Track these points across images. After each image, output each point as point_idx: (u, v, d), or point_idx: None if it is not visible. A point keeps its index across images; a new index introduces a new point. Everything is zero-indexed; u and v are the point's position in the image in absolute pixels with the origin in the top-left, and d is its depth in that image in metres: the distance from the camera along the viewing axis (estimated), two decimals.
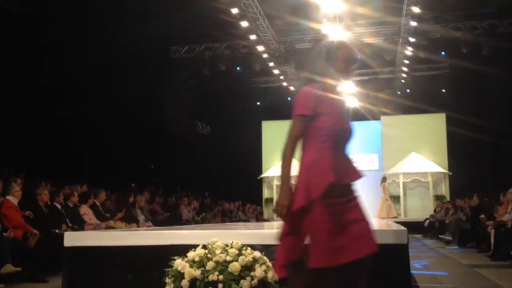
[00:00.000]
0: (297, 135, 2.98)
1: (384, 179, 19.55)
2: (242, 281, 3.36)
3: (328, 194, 2.79)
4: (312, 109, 2.94)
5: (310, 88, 3.02)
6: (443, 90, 20.11)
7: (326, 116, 2.95)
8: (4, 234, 6.76)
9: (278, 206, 2.92)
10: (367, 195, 21.05)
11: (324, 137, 2.94)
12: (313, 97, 2.97)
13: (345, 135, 3.04)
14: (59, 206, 8.72)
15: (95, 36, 13.66)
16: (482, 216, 11.32)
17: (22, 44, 12.66)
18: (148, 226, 10.58)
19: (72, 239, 4.29)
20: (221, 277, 3.36)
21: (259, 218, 19.87)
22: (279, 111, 22.21)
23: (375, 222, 9.50)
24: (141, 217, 11.25)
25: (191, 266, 3.46)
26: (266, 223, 12.39)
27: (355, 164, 3.05)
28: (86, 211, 9.36)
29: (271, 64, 18.76)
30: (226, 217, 16.89)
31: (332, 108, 3.00)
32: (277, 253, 2.97)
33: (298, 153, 3.03)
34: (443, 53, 18.28)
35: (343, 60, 3.06)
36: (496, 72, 15.48)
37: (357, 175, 3.00)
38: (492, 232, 9.69)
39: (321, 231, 2.77)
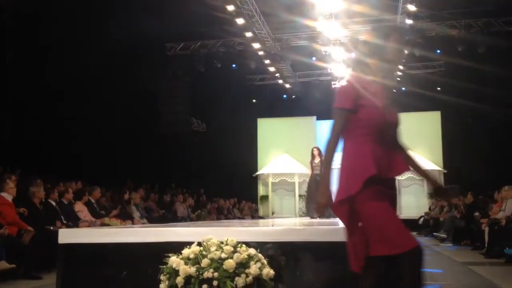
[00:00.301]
0: (339, 130, 2.90)
1: None
2: (237, 278, 3.36)
3: (373, 183, 2.74)
4: (353, 102, 2.85)
5: (352, 79, 2.94)
6: (438, 88, 20.14)
7: (367, 108, 2.85)
8: None
9: (317, 204, 2.90)
10: None
11: (366, 129, 2.85)
12: (353, 89, 2.87)
13: (388, 127, 2.91)
14: (53, 203, 8.71)
15: (89, 34, 13.62)
16: (477, 213, 11.37)
17: (19, 41, 12.63)
18: (143, 223, 10.58)
19: (67, 236, 4.28)
20: (216, 274, 3.36)
21: (254, 215, 19.88)
22: (275, 109, 22.25)
23: None
24: (136, 214, 11.24)
25: (186, 263, 3.45)
26: (261, 221, 12.40)
27: (400, 157, 2.95)
28: (81, 208, 9.35)
29: (267, 61, 18.74)
30: (222, 215, 16.90)
31: (374, 99, 2.87)
32: (350, 250, 2.91)
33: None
34: (438, 51, 18.30)
35: (393, 47, 2.95)
36: (491, 70, 15.52)
37: (402, 168, 2.92)
38: (486, 229, 9.74)
39: (386, 216, 2.76)
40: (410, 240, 2.73)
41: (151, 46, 17.54)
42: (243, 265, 3.43)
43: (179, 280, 3.40)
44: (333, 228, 4.16)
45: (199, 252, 3.50)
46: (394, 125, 2.94)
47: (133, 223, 10.27)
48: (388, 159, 2.85)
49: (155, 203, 13.61)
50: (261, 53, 17.97)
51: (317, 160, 10.05)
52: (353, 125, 2.87)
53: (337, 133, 2.91)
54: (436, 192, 3.15)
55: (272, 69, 19.69)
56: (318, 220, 8.86)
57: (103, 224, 9.10)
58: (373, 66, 2.95)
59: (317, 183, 9.94)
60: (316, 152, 10.14)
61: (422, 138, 20.54)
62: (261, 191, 22.40)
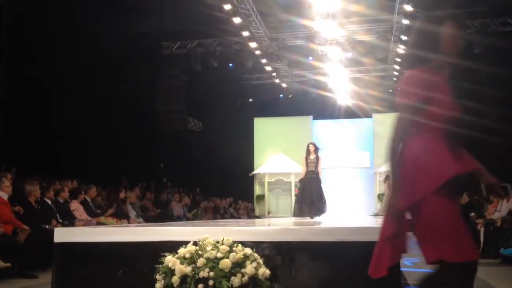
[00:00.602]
0: (405, 127, 2.67)
1: (387, 177, 19.59)
2: (232, 278, 3.36)
3: (447, 184, 2.54)
4: (422, 95, 2.63)
5: (418, 72, 2.71)
6: None
7: (437, 103, 2.65)
8: None
9: (390, 205, 2.65)
10: (358, 192, 20.99)
11: (437, 125, 2.64)
12: (421, 81, 2.66)
13: (458, 123, 2.72)
14: (49, 202, 8.69)
15: (87, 31, 13.60)
16: (472, 214, 11.38)
17: (15, 39, 12.60)
18: (139, 223, 10.57)
19: (62, 235, 4.27)
20: (211, 273, 3.35)
21: (250, 215, 19.89)
22: (271, 108, 22.27)
23: (368, 219, 9.54)
24: (132, 213, 11.23)
25: (181, 263, 3.45)
26: (257, 220, 12.40)
27: (466, 154, 2.75)
28: (76, 207, 9.33)
29: (264, 60, 18.75)
30: (218, 214, 16.90)
31: (444, 93, 2.68)
32: (381, 252, 2.70)
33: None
34: None
35: (449, 35, 2.74)
36: (488, 71, 15.55)
37: (473, 165, 2.72)
38: (482, 230, 9.76)
39: (452, 223, 2.55)
40: (473, 251, 2.56)
41: (148, 45, 17.53)
42: (239, 265, 3.42)
43: (175, 279, 3.39)
44: (329, 228, 4.16)
45: (195, 251, 3.50)
46: (461, 119, 2.75)
47: (129, 222, 10.26)
48: (458, 156, 2.67)
49: (151, 202, 13.59)
50: (257, 52, 17.98)
51: (312, 156, 9.78)
52: (422, 121, 2.65)
53: (402, 130, 2.68)
54: (489, 189, 2.95)
55: (268, 68, 19.71)
56: (314, 220, 8.86)
57: (99, 223, 9.08)
58: (430, 59, 2.74)
59: (311, 180, 9.80)
60: (312, 148, 9.84)
61: None
62: (257, 190, 22.40)
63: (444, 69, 2.78)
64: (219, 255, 3.44)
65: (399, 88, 2.75)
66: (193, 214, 14.56)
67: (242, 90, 22.14)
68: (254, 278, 3.42)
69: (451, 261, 2.53)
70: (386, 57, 18.86)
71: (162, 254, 3.58)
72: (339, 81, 19.61)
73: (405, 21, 15.68)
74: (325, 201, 9.72)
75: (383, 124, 21.04)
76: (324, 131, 21.86)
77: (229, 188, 19.90)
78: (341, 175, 21.25)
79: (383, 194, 20.21)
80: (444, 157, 2.60)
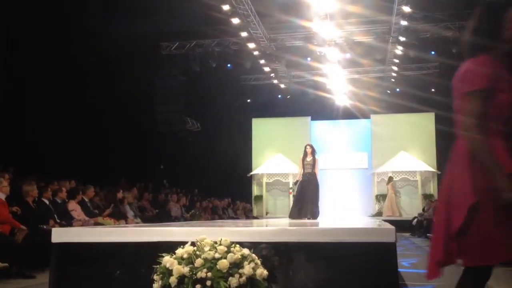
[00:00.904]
0: (478, 115, 2.41)
1: (390, 179, 19.67)
2: (230, 278, 3.36)
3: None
4: (490, 82, 2.44)
5: (482, 60, 2.53)
6: (433, 90, 20.22)
7: (504, 93, 2.44)
8: None
9: (505, 191, 2.33)
10: (356, 193, 20.93)
11: (501, 118, 2.43)
12: (489, 68, 2.47)
13: None
14: (47, 202, 8.68)
15: (86, 31, 13.59)
16: None
17: (14, 39, 12.60)
18: (137, 223, 10.56)
19: (60, 235, 4.26)
20: (209, 274, 3.35)
21: (248, 215, 19.88)
22: (270, 109, 22.28)
23: (366, 220, 9.55)
24: (130, 214, 11.22)
25: (179, 263, 3.45)
26: (255, 221, 12.41)
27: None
28: (74, 207, 9.32)
29: (262, 61, 18.76)
30: (216, 214, 16.89)
31: (507, 83, 2.47)
32: (436, 250, 2.63)
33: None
34: (433, 52, 18.37)
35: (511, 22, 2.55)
36: None
37: None
38: None
39: (485, 223, 2.40)
40: (492, 255, 2.45)
41: (147, 45, 17.53)
42: (236, 265, 3.42)
43: (173, 280, 3.39)
44: (326, 229, 4.16)
45: (192, 252, 3.50)
46: None
47: (126, 223, 10.25)
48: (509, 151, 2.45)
49: (148, 202, 13.58)
50: (256, 53, 17.99)
51: (309, 158, 9.68)
52: (486, 110, 2.45)
53: (477, 118, 2.42)
54: None
55: (267, 69, 19.72)
56: (311, 221, 8.87)
57: (97, 224, 9.07)
58: (492, 47, 2.57)
59: (309, 183, 9.74)
60: (309, 150, 9.74)
61: (416, 139, 20.65)
62: (255, 191, 22.41)
63: (505, 58, 2.60)
64: (217, 255, 3.43)
65: (465, 74, 2.57)
66: (191, 215, 14.55)
67: (240, 90, 22.15)
68: (251, 279, 3.42)
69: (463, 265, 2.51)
70: (384, 58, 18.89)
71: (160, 254, 3.58)
72: (337, 82, 19.63)
73: (404, 22, 15.71)
74: (318, 206, 9.70)
75: (381, 125, 21.12)
76: (322, 132, 21.89)
77: (227, 189, 19.90)
78: (339, 176, 21.27)
79: (381, 195, 20.25)
80: (502, 154, 2.41)
